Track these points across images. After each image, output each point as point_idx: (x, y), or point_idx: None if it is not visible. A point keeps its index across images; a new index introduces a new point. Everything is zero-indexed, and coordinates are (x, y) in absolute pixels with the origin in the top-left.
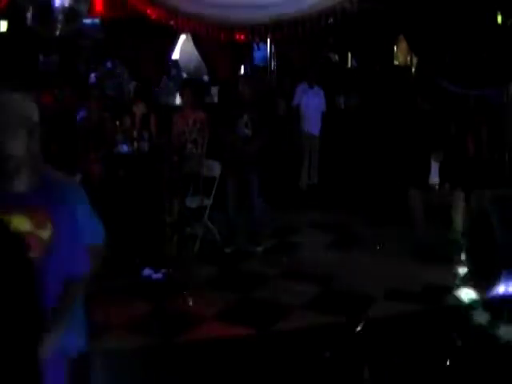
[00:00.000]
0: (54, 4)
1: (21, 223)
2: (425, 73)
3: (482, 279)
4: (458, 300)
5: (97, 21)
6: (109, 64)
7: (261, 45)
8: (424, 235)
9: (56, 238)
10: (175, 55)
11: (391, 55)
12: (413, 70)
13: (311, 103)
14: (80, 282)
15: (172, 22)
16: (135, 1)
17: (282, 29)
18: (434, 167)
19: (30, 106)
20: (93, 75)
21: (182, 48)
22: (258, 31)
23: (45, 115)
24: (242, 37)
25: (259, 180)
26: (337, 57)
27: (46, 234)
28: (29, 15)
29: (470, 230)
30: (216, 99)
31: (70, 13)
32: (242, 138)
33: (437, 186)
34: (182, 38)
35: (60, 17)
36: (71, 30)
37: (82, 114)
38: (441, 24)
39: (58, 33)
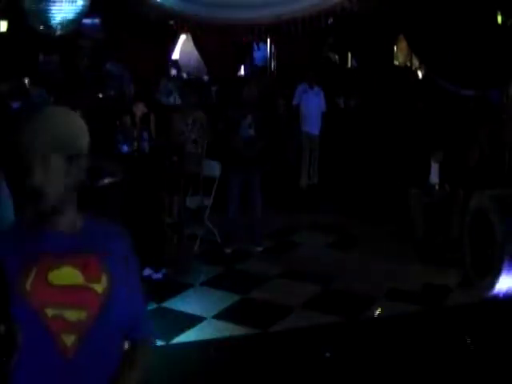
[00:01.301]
0: None
1: (72, 275)
2: (425, 73)
3: (481, 279)
4: (458, 300)
5: (97, 21)
6: (109, 64)
7: (261, 45)
8: (424, 235)
9: (113, 293)
10: (175, 55)
11: (391, 55)
12: (413, 69)
13: (311, 103)
14: (146, 345)
15: (172, 22)
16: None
17: (282, 29)
18: (434, 167)
19: (74, 124)
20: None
21: (182, 48)
22: (258, 31)
23: None
24: (242, 37)
25: (260, 180)
26: (337, 57)
27: (100, 287)
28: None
29: (469, 229)
30: (216, 99)
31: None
32: (246, 139)
33: (437, 186)
34: (182, 38)
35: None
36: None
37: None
38: (441, 24)
39: (58, 32)
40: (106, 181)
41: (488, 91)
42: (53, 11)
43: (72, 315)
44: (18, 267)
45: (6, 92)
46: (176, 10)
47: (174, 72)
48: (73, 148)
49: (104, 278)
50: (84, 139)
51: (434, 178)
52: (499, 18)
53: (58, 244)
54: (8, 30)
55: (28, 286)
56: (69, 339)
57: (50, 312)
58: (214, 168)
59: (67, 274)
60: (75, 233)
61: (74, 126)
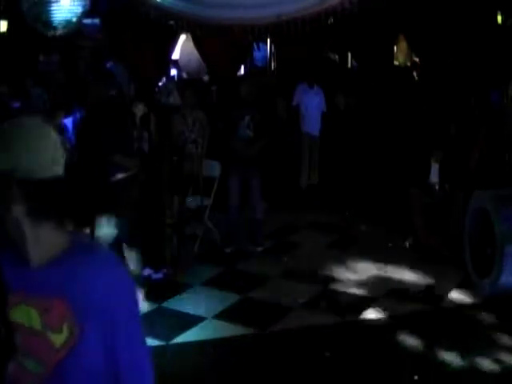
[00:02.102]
0: None
1: (30, 317)
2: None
3: (481, 279)
4: (458, 300)
5: (97, 21)
6: (109, 64)
7: (261, 45)
8: (423, 235)
9: (77, 350)
10: (175, 55)
11: (391, 55)
12: (413, 69)
13: (311, 103)
14: None
15: (172, 22)
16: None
17: (282, 29)
18: (434, 167)
19: (41, 136)
20: (95, 74)
21: (182, 48)
22: (258, 31)
23: None
24: (242, 37)
25: (260, 180)
26: (337, 57)
27: (58, 339)
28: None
29: (469, 229)
30: (216, 99)
31: None
32: (244, 139)
33: (437, 186)
34: (182, 38)
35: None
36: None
37: (77, 114)
38: (441, 24)
39: (59, 32)
40: (120, 176)
41: (488, 91)
42: (53, 11)
43: (29, 364)
44: None
45: (6, 92)
46: (175, 9)
47: (173, 72)
48: (27, 171)
49: (65, 329)
50: (56, 155)
51: (434, 177)
52: (499, 18)
53: (21, 278)
54: (8, 30)
55: None
56: None
57: None
58: (213, 168)
59: (25, 314)
60: (45, 266)
61: (42, 137)
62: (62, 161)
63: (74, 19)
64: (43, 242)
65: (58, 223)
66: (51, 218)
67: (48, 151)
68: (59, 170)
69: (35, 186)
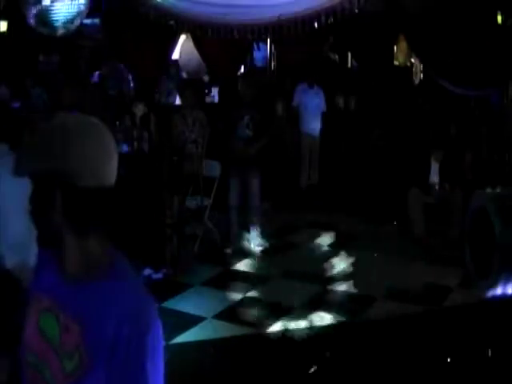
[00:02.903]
0: None
1: (51, 328)
2: (425, 73)
3: (482, 279)
4: (458, 300)
5: (97, 21)
6: (109, 64)
7: (261, 45)
8: (424, 235)
9: (82, 376)
10: (175, 55)
11: (391, 55)
12: (414, 69)
13: (311, 103)
14: None
15: (172, 22)
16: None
17: (282, 29)
18: (434, 167)
19: (95, 139)
20: (95, 74)
21: (182, 48)
22: (258, 31)
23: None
24: (242, 37)
25: (260, 180)
26: (337, 57)
27: (70, 365)
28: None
29: (470, 229)
30: (216, 99)
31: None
32: (244, 139)
33: (437, 186)
34: (182, 37)
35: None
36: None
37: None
38: (441, 24)
39: (59, 32)
40: None
41: (488, 91)
42: (53, 11)
43: (46, 374)
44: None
45: (6, 93)
46: (175, 9)
47: (173, 72)
48: (73, 175)
49: (77, 358)
50: (93, 165)
51: (434, 177)
52: (499, 18)
53: (55, 285)
54: (8, 29)
55: (25, 326)
56: None
57: (31, 360)
58: (213, 168)
59: (50, 324)
60: (77, 282)
61: (87, 148)
62: (113, 170)
63: (75, 19)
64: (81, 255)
65: (100, 238)
66: (94, 230)
67: (100, 157)
68: (109, 179)
69: (79, 193)
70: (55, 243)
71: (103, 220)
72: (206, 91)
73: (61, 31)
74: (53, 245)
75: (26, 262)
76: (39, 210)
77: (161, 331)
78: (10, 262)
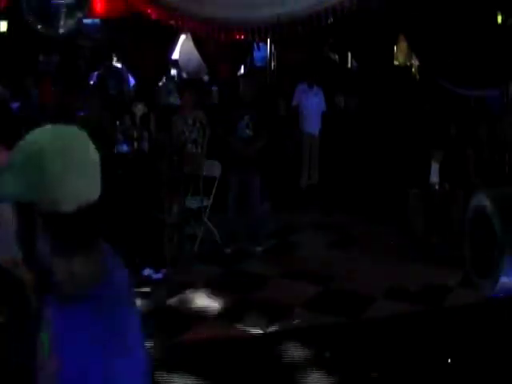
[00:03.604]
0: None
1: (45, 346)
2: (426, 73)
3: (482, 279)
4: (458, 300)
5: (97, 21)
6: (109, 64)
7: (261, 45)
8: (424, 235)
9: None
10: (175, 55)
11: (391, 55)
12: (413, 70)
13: (310, 103)
14: None
15: (172, 22)
16: (136, 0)
17: (282, 29)
18: (434, 167)
19: (77, 157)
20: (95, 74)
21: (181, 48)
22: (257, 31)
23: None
24: (242, 37)
25: (260, 180)
26: (337, 57)
27: (52, 366)
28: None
29: (470, 229)
30: (216, 99)
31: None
32: (244, 139)
33: (437, 186)
34: (182, 37)
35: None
36: (71, 28)
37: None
38: (441, 24)
39: (60, 31)
40: None
41: (488, 91)
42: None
43: None
44: None
45: (6, 94)
46: (176, 9)
47: (173, 72)
48: (52, 203)
49: (54, 381)
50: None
51: (434, 177)
52: (499, 18)
53: (50, 305)
54: (8, 29)
55: None
56: None
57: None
58: (214, 168)
59: (45, 342)
60: (60, 304)
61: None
62: (96, 185)
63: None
64: (67, 275)
65: (88, 256)
66: (79, 249)
67: (82, 179)
68: (93, 195)
69: (61, 219)
70: (42, 266)
71: (89, 237)
72: (206, 91)
73: (61, 31)
74: (40, 267)
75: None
76: (23, 234)
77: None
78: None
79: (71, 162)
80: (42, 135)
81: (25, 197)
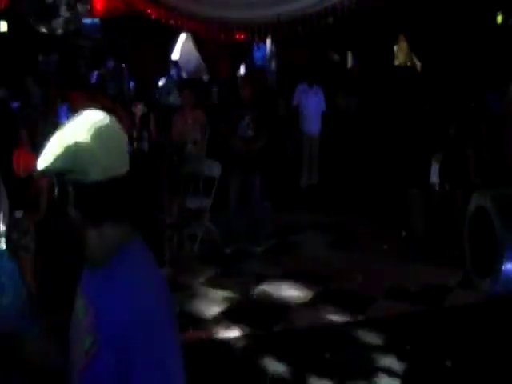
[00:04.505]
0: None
1: (80, 311)
2: (426, 73)
3: (482, 279)
4: (458, 300)
5: (97, 21)
6: (109, 64)
7: (261, 45)
8: (424, 235)
9: (92, 365)
10: (175, 55)
11: (391, 55)
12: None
13: (310, 103)
14: None
15: (172, 22)
16: (136, 0)
17: (282, 29)
18: (434, 167)
19: (103, 135)
20: (95, 74)
21: (181, 48)
22: (257, 31)
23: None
24: (242, 37)
25: (261, 180)
26: (337, 57)
27: (87, 344)
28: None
29: (469, 229)
30: (216, 99)
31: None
32: (244, 139)
33: (437, 186)
34: (182, 38)
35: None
36: (71, 29)
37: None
38: (441, 24)
39: (60, 31)
40: None
41: (488, 91)
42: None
43: (75, 351)
44: None
45: (6, 94)
46: (175, 9)
47: (173, 72)
48: (83, 172)
49: (89, 340)
50: (102, 161)
51: (434, 177)
52: (499, 18)
53: (83, 274)
54: (8, 30)
55: None
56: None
57: (70, 335)
58: (214, 168)
59: (80, 307)
60: (95, 268)
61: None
62: (121, 161)
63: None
64: (97, 242)
65: (116, 226)
66: (108, 219)
67: (107, 153)
68: (118, 170)
69: (89, 189)
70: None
71: (116, 208)
72: (206, 91)
73: (61, 31)
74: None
75: None
76: (59, 204)
77: (164, 313)
78: None
79: (100, 137)
80: (75, 119)
81: (61, 168)
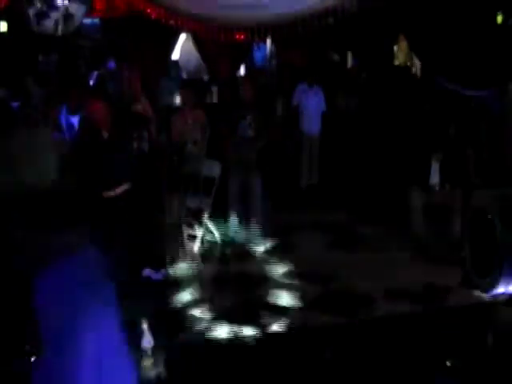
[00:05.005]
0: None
1: None
2: (426, 73)
3: (482, 279)
4: (458, 300)
5: (97, 21)
6: (109, 64)
7: (261, 45)
8: (424, 235)
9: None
10: (175, 55)
11: (391, 55)
12: (413, 70)
13: (310, 103)
14: None
15: (172, 22)
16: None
17: (282, 29)
18: (434, 167)
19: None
20: (95, 74)
21: (181, 48)
22: (257, 31)
23: None
24: (242, 37)
25: (261, 180)
26: (337, 57)
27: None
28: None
29: (470, 229)
30: (216, 99)
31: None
32: (245, 139)
33: (437, 186)
34: (182, 38)
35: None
36: (70, 30)
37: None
38: (441, 24)
39: (59, 33)
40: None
41: (488, 91)
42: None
43: None
44: None
45: (6, 94)
46: (175, 9)
47: (173, 72)
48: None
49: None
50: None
51: (434, 177)
52: (499, 18)
53: None
54: (8, 29)
55: None
56: None
57: None
58: (213, 168)
59: None
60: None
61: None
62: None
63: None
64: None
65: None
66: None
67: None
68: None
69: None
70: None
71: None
72: (206, 91)
73: (61, 31)
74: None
75: None
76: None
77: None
78: None
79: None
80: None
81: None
